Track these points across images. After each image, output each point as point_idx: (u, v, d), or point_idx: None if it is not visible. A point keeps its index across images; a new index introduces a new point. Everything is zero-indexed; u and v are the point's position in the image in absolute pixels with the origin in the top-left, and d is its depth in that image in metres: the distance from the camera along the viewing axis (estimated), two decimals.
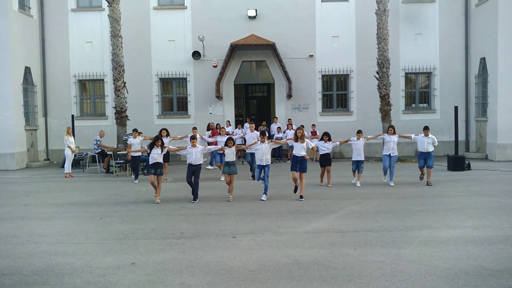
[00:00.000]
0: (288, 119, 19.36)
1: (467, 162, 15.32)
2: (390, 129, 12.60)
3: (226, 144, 10.55)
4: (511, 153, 17.62)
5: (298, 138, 10.32)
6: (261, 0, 20.04)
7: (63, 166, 16.31)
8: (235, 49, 19.45)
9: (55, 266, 5.91)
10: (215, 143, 13.35)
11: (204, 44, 19.86)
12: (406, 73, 20.48)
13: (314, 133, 18.73)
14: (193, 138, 10.64)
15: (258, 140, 10.80)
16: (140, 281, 5.36)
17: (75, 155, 16.23)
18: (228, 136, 11.99)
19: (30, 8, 19.58)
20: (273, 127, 19.34)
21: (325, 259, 6.00)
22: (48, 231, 7.78)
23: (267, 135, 11.07)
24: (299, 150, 10.28)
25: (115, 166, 15.70)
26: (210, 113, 20.31)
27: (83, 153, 17.44)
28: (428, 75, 20.68)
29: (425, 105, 20.87)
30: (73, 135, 16.19)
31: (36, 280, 5.43)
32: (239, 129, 18.83)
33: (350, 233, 7.33)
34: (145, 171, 15.28)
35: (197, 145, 10.48)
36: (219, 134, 14.44)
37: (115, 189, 12.51)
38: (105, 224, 8.30)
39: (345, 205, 9.58)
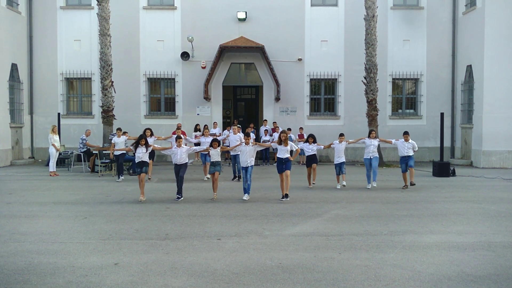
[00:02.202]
0: (273, 122, 19.44)
1: (452, 168, 15.48)
2: (372, 133, 12.92)
3: (211, 145, 10.69)
4: (495, 160, 17.85)
5: (282, 141, 10.48)
6: (251, 3, 20.08)
7: (48, 165, 16.12)
8: (224, 50, 19.46)
9: (37, 266, 5.84)
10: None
11: (193, 45, 19.83)
12: (393, 79, 20.67)
13: (301, 136, 18.77)
14: (178, 138, 10.74)
15: (243, 142, 10.95)
16: (123, 281, 5.32)
17: (60, 154, 16.06)
18: (213, 137, 12.10)
19: (18, 4, 19.36)
20: (262, 129, 19.37)
21: (309, 263, 6.01)
22: (31, 230, 7.68)
23: (251, 136, 11.21)
24: (283, 153, 10.50)
25: (101, 166, 15.57)
26: (198, 114, 20.27)
27: (68, 151, 17.27)
28: (415, 81, 20.88)
29: (411, 110, 21.07)
30: (59, 133, 16.01)
31: (18, 279, 5.36)
32: (228, 131, 18.75)
33: (335, 237, 7.35)
34: (131, 171, 15.20)
35: (182, 145, 10.56)
36: (203, 135, 14.53)
37: (100, 189, 12.40)
38: (89, 223, 8.22)
39: (330, 209, 9.61)
